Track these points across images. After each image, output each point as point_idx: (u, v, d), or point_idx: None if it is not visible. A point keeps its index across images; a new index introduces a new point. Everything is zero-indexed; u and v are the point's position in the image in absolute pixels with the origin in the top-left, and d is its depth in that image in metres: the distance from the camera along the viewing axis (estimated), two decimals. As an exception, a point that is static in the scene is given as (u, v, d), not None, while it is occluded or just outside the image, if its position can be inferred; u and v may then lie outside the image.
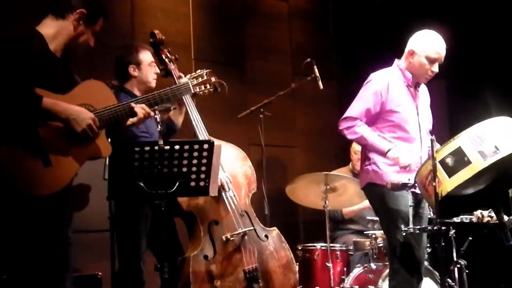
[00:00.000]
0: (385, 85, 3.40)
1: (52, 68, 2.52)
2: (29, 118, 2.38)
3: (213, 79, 2.93)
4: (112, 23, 4.50)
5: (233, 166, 3.68)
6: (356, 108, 3.42)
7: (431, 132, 3.52)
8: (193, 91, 2.88)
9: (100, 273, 3.77)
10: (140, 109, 2.66)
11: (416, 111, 3.47)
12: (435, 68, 3.41)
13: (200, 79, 2.91)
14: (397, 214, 3.30)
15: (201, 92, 2.92)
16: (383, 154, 3.33)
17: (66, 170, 2.48)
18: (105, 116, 2.57)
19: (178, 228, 3.61)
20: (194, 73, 2.96)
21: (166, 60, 3.52)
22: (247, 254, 3.52)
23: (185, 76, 3.33)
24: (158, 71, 3.54)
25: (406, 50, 3.46)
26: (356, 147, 4.77)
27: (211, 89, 2.94)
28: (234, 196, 3.60)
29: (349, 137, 3.41)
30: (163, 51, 3.55)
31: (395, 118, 3.40)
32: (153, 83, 3.53)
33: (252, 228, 3.59)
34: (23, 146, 2.38)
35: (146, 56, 3.53)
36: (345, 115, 3.43)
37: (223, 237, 3.49)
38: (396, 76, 3.47)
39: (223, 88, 3.01)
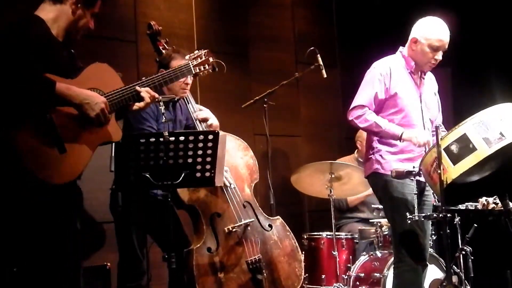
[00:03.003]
0: (388, 71, 3.40)
1: (56, 52, 2.50)
2: (43, 104, 2.35)
3: (211, 59, 2.95)
4: (115, 14, 4.50)
5: (233, 157, 3.67)
6: (363, 96, 3.40)
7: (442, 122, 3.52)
8: (194, 72, 2.90)
9: (108, 264, 3.79)
10: (146, 93, 2.65)
11: (419, 99, 3.46)
12: (439, 56, 3.40)
13: (199, 60, 2.94)
14: (401, 202, 3.30)
15: (200, 73, 2.95)
16: (398, 138, 3.30)
17: (81, 157, 2.46)
18: (114, 100, 2.56)
19: (184, 220, 3.63)
20: (193, 54, 2.98)
21: (164, 51, 3.53)
22: (249, 245, 3.53)
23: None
24: (189, 82, 3.54)
25: (410, 37, 3.45)
26: (364, 135, 4.75)
27: (210, 69, 2.97)
28: (235, 187, 3.60)
29: (361, 125, 3.38)
30: (160, 42, 3.55)
31: (397, 104, 3.39)
32: (179, 93, 3.50)
33: (254, 219, 3.60)
34: (38, 133, 2.36)
35: (176, 65, 3.45)
36: (353, 104, 3.40)
37: (226, 229, 3.50)
38: (399, 63, 3.47)
39: (222, 67, 3.03)
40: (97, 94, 2.49)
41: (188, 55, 3.01)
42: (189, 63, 2.88)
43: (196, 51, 2.99)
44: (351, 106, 3.41)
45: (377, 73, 3.40)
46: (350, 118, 3.39)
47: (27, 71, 2.33)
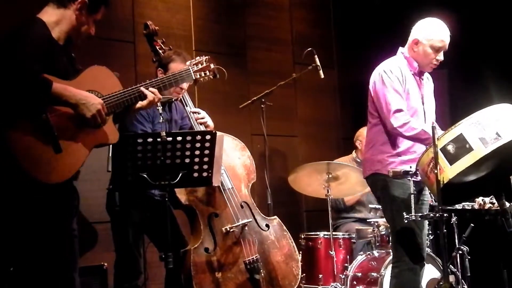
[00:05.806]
0: (400, 72, 3.38)
1: (56, 55, 2.51)
2: (39, 103, 2.37)
3: (212, 65, 2.97)
4: (113, 15, 4.51)
5: (231, 157, 3.68)
6: (395, 100, 3.28)
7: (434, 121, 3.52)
8: (194, 78, 2.92)
9: (105, 264, 3.80)
10: (151, 93, 2.68)
11: (422, 100, 3.47)
12: (440, 57, 3.40)
13: (200, 66, 2.95)
14: (401, 202, 3.30)
15: (201, 79, 2.97)
16: None
17: (76, 157, 2.47)
18: (112, 102, 2.57)
19: (180, 220, 3.63)
20: (194, 60, 3.00)
21: (160, 51, 3.55)
22: (247, 245, 3.53)
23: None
24: (185, 87, 3.55)
25: (410, 39, 3.44)
26: (364, 134, 4.74)
27: (210, 76, 2.99)
28: (233, 188, 3.61)
29: (406, 134, 3.23)
30: (157, 42, 3.57)
31: (408, 105, 3.35)
32: (174, 96, 3.51)
33: (252, 219, 3.60)
34: (34, 132, 2.37)
35: (175, 68, 3.44)
36: (392, 110, 3.25)
37: (223, 229, 3.50)
38: (403, 64, 3.46)
39: (222, 74, 3.05)
40: (94, 95, 2.50)
41: (189, 61, 3.03)
42: (189, 69, 2.89)
43: (198, 57, 3.02)
44: (391, 113, 3.25)
45: (394, 75, 3.35)
46: (394, 126, 3.24)
47: (25, 70, 2.34)
